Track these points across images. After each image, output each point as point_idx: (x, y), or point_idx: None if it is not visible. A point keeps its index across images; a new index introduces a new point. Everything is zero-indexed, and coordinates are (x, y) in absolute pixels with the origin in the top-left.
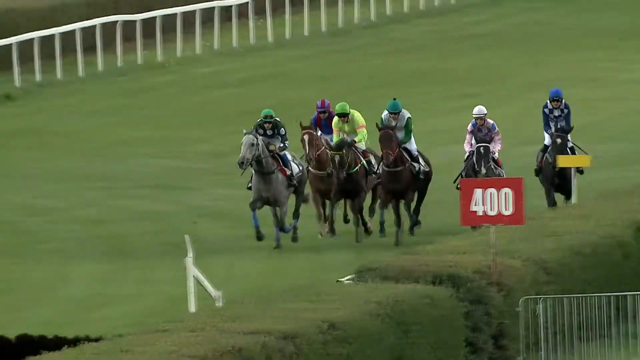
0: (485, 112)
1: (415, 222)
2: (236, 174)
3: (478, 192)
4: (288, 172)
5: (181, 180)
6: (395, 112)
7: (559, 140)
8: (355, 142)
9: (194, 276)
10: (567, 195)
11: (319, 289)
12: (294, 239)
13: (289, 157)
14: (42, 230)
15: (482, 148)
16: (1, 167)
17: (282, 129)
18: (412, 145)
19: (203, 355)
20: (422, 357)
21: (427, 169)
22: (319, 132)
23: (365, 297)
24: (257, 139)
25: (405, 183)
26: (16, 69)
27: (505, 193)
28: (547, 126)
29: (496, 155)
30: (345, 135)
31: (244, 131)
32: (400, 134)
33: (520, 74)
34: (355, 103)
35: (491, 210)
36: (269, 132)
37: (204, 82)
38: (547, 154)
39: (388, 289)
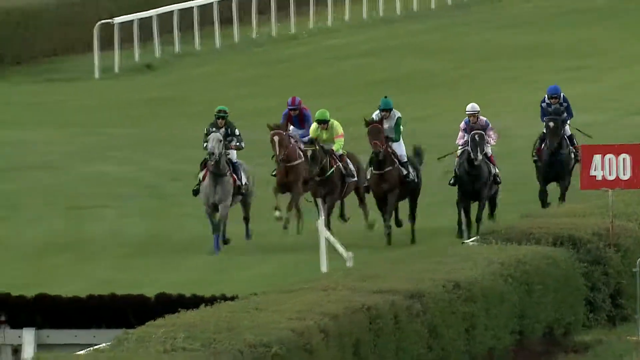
0: (478, 109)
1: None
2: (364, 140)
3: (597, 158)
4: (237, 183)
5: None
6: (386, 110)
7: (551, 124)
8: (333, 151)
9: (325, 238)
10: (563, 187)
11: (445, 251)
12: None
13: (241, 166)
14: (183, 194)
15: (476, 135)
16: (144, 134)
17: (237, 129)
18: (402, 150)
19: (335, 313)
20: (543, 316)
21: (416, 179)
22: (291, 127)
23: (489, 258)
24: (222, 137)
25: (393, 184)
26: (156, 40)
27: (624, 158)
28: (544, 116)
29: (489, 151)
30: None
31: (205, 131)
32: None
33: (622, 47)
34: (468, 75)
35: (609, 175)
36: (222, 131)
37: (334, 53)
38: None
39: (511, 250)
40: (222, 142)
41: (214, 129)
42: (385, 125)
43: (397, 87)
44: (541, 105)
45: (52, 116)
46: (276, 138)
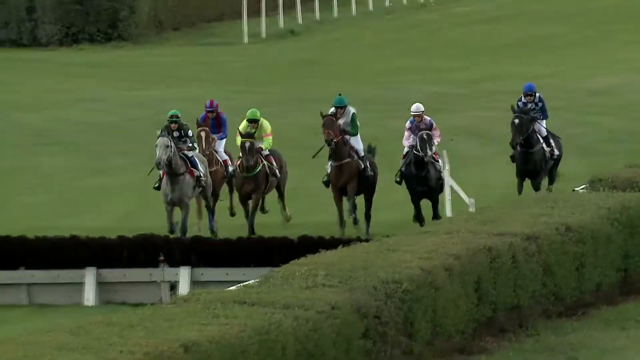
0: (423, 109)
1: (355, 216)
2: (491, 98)
3: None
4: (196, 173)
5: (442, 104)
6: (340, 107)
7: (516, 121)
8: (262, 148)
9: (450, 185)
10: (535, 185)
11: (557, 197)
12: (212, 231)
13: (197, 159)
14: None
15: (425, 134)
16: (287, 93)
17: (190, 131)
18: (359, 145)
19: (458, 254)
20: None
21: (372, 173)
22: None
23: (598, 204)
24: (170, 141)
25: (351, 175)
26: (298, 7)
27: None
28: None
29: (434, 148)
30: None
31: (158, 133)
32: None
33: None
34: (593, 37)
35: None
36: (175, 134)
37: (461, 20)
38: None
39: (617, 197)
40: (169, 147)
41: (164, 132)
42: (341, 121)
43: (521, 50)
44: (517, 104)
45: (211, 75)
46: (203, 134)
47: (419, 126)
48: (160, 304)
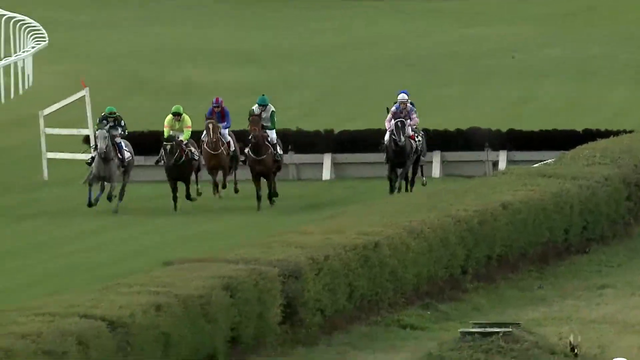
0: (407, 98)
1: (274, 195)
2: None
3: None
4: (120, 157)
5: None
6: (263, 105)
7: (399, 124)
8: (182, 140)
9: None
10: (402, 172)
11: None
12: (115, 211)
13: (124, 145)
14: None
15: (399, 122)
16: None
17: (122, 121)
18: (273, 135)
19: None
20: None
21: (280, 157)
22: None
23: None
24: (107, 132)
25: (268, 167)
26: None
27: None
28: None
29: (410, 131)
30: (174, 133)
31: (96, 127)
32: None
33: None
34: None
35: None
36: (111, 124)
37: None
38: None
39: None
40: (107, 137)
41: (102, 125)
42: (263, 116)
43: None
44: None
45: None
46: (210, 125)
47: (399, 113)
48: (486, 176)
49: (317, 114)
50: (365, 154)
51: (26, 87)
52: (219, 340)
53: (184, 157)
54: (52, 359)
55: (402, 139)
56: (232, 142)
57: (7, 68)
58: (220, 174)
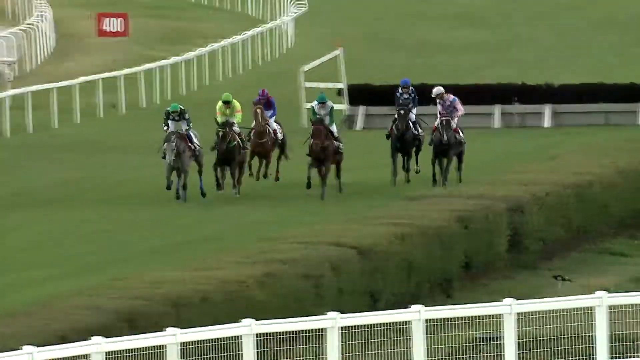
0: (442, 91)
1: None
2: None
3: None
4: (192, 147)
5: None
6: (322, 102)
7: (402, 112)
8: (235, 123)
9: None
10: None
11: None
12: (203, 194)
13: (193, 135)
14: None
15: (444, 120)
16: None
17: (187, 114)
18: (333, 128)
19: None
20: None
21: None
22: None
23: None
24: (175, 144)
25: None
26: None
27: None
28: (397, 105)
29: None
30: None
31: (162, 123)
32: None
33: None
34: None
35: None
36: (176, 118)
37: None
38: (395, 124)
39: None
40: (174, 150)
41: (176, 118)
42: (322, 112)
43: None
44: (395, 95)
45: None
46: (258, 110)
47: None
48: None
49: (541, 68)
50: (580, 105)
51: (289, 46)
52: (454, 265)
53: (235, 142)
54: (310, 282)
55: (446, 137)
56: (277, 130)
57: (272, 30)
58: (263, 163)
